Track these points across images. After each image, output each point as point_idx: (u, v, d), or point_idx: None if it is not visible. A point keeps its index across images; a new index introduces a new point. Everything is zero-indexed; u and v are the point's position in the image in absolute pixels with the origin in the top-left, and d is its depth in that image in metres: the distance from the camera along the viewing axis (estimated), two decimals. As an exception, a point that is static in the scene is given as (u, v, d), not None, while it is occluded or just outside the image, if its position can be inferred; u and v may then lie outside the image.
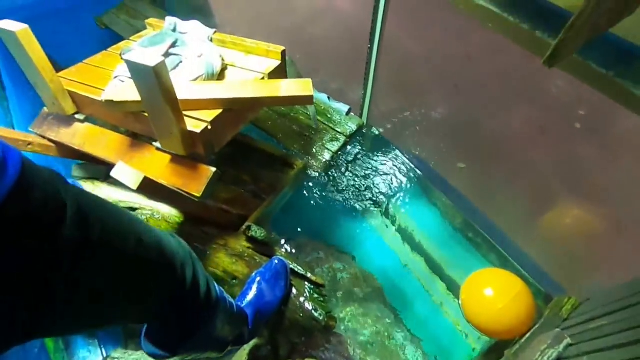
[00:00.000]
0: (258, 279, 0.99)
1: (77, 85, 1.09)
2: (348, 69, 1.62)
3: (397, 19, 1.25)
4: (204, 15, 2.14)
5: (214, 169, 0.99)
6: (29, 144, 1.07)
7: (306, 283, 1.09)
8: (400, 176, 1.62)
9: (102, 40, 2.12)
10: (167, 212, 1.07)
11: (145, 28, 1.41)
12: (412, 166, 1.62)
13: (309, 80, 1.07)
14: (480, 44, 1.07)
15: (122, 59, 1.13)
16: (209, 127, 0.98)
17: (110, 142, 1.08)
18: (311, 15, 1.59)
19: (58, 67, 1.03)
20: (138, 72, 0.80)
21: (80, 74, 1.13)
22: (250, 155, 1.48)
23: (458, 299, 1.24)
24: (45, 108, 1.15)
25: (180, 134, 0.93)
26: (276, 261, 1.02)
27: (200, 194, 0.96)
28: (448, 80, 1.26)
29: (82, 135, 1.12)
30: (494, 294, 1.04)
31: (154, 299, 0.55)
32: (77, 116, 1.13)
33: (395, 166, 1.64)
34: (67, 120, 1.13)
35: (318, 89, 1.78)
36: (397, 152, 1.66)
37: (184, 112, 0.96)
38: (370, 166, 1.63)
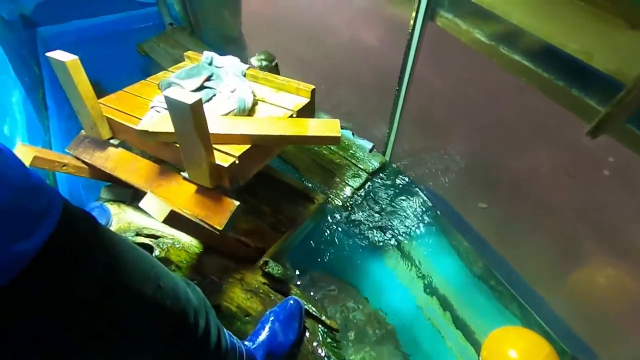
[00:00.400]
0: (272, 318, 0.96)
1: (115, 112, 1.14)
2: (374, 105, 1.65)
3: (426, 58, 1.27)
4: (238, 46, 2.24)
5: (237, 203, 1.00)
6: (64, 165, 1.12)
7: (320, 325, 1.06)
8: (420, 216, 1.59)
9: (142, 65, 2.25)
10: (188, 241, 1.07)
11: (182, 58, 1.48)
12: (433, 205, 1.60)
13: (337, 121, 1.08)
14: (506, 82, 1.07)
15: (161, 91, 1.19)
16: (237, 162, 1.00)
17: (140, 168, 1.12)
18: (340, 49, 1.63)
19: (98, 87, 1.07)
20: (175, 107, 0.83)
21: (119, 102, 1.18)
22: (271, 186, 1.49)
23: (474, 347, 1.17)
24: (82, 131, 1.20)
25: (208, 168, 0.94)
26: (291, 301, 1.00)
27: (222, 227, 0.97)
28: (473, 120, 1.26)
29: (115, 160, 1.15)
30: (519, 357, 0.97)
31: (165, 346, 0.55)
32: (111, 141, 1.18)
33: (416, 205, 1.62)
34: (102, 144, 1.18)
35: (342, 124, 1.81)
36: (418, 191, 1.64)
37: (214, 145, 0.99)
38: (390, 204, 1.61)
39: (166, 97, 0.82)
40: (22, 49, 1.75)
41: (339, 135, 1.04)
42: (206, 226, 0.96)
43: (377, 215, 1.57)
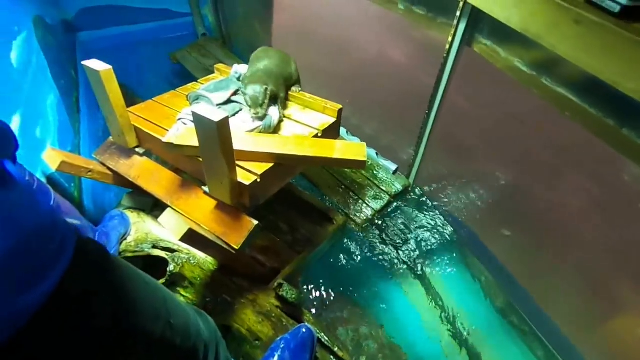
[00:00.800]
0: (282, 346, 0.92)
1: (142, 121, 1.15)
2: (401, 126, 1.61)
3: (459, 82, 1.22)
4: (267, 59, 2.26)
5: (255, 222, 0.98)
6: (90, 171, 1.13)
7: (332, 356, 1.01)
8: (441, 242, 1.52)
9: (173, 73, 2.30)
10: (203, 258, 1.06)
11: (212, 67, 1.49)
12: (455, 232, 1.53)
13: (363, 145, 1.05)
14: (540, 112, 1.01)
15: (189, 103, 1.20)
16: (258, 180, 0.97)
17: (163, 179, 1.11)
18: (368, 66, 1.60)
19: (129, 91, 1.08)
20: (202, 123, 0.82)
21: (148, 111, 1.19)
22: (290, 202, 1.47)
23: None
24: (110, 138, 1.21)
25: (229, 184, 0.93)
26: (304, 329, 0.96)
27: (239, 246, 0.94)
28: (503, 147, 1.20)
29: (139, 169, 1.16)
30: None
31: None
32: (137, 149, 1.19)
33: (438, 231, 1.55)
34: (128, 152, 1.19)
35: (367, 143, 1.78)
36: (441, 216, 1.58)
37: (236, 162, 0.97)
38: (411, 229, 1.55)
39: (193, 113, 0.81)
40: (61, 53, 1.82)
41: (365, 159, 1.01)
42: (222, 244, 0.93)
43: (397, 239, 1.51)
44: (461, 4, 1.00)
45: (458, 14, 1.03)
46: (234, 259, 1.01)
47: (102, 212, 1.43)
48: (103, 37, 2.38)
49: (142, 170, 1.16)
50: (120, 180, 1.22)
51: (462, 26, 1.06)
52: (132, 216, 1.17)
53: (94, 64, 1.01)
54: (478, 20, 1.02)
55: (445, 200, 1.58)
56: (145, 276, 0.48)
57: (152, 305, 0.45)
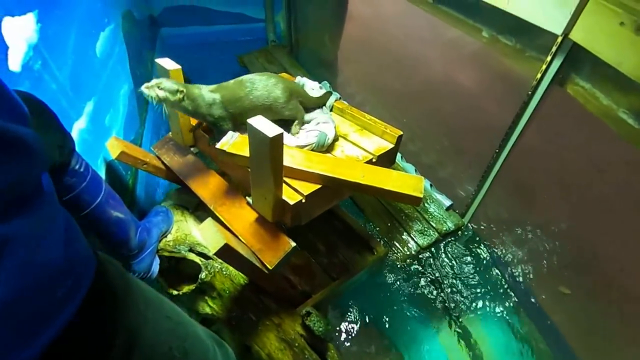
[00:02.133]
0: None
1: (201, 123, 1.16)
2: (463, 160, 1.48)
3: (539, 122, 1.09)
4: (330, 70, 2.24)
5: (293, 244, 0.93)
6: (145, 163, 1.16)
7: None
8: (489, 293, 1.36)
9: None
10: (235, 270, 1.03)
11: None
12: (506, 283, 1.36)
13: (422, 180, 0.96)
14: (618, 156, 0.85)
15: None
16: (303, 201, 0.93)
17: (211, 182, 1.11)
18: (434, 90, 1.49)
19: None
20: (256, 137, 0.79)
21: (208, 113, 1.21)
22: (332, 223, 1.40)
23: None
24: (170, 133, 1.25)
25: (273, 201, 0.89)
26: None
27: (273, 266, 0.90)
28: (575, 195, 1.04)
29: (190, 168, 1.17)
30: None
31: None
32: (192, 149, 1.20)
33: (487, 280, 1.39)
34: (183, 150, 1.21)
35: (422, 171, 1.67)
36: (493, 264, 1.42)
37: (284, 178, 0.93)
38: (458, 274, 1.41)
39: (249, 125, 0.78)
40: (143, 46, 1.94)
41: (421, 196, 0.92)
42: (256, 262, 0.89)
43: (440, 282, 1.38)
44: (560, 38, 0.87)
45: (554, 49, 0.90)
46: (265, 277, 0.97)
47: (151, 202, 1.48)
48: (181, 34, 2.52)
49: (193, 170, 1.17)
50: (172, 176, 1.24)
51: (556, 63, 0.93)
52: (176, 214, 1.18)
53: (166, 62, 1.04)
54: (577, 59, 0.89)
55: (501, 246, 1.42)
56: (167, 308, 0.45)
57: (169, 344, 0.41)
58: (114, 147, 1.09)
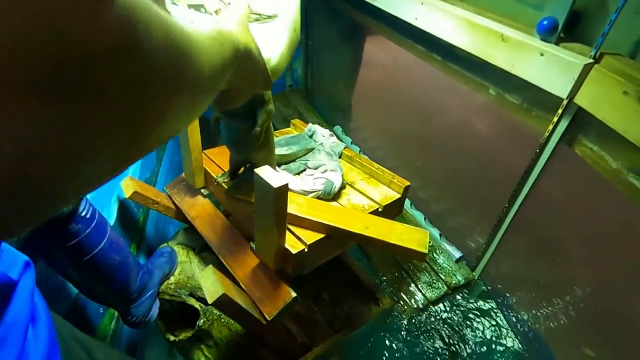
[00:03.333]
0: None
1: (212, 165, 1.19)
2: (474, 211, 1.45)
3: (553, 175, 1.07)
4: (344, 115, 2.30)
5: (294, 295, 0.91)
6: (156, 203, 1.19)
7: None
8: (503, 352, 1.27)
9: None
10: (234, 317, 1.01)
11: (292, 117, 1.54)
12: (521, 343, 1.27)
13: (427, 234, 0.95)
14: (631, 218, 0.81)
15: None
16: (306, 250, 0.92)
17: (217, 225, 1.13)
18: (451, 137, 1.48)
19: (207, 125, 1.09)
20: (261, 186, 0.81)
21: (221, 156, 1.25)
22: (338, 271, 1.38)
23: None
24: (183, 174, 1.29)
25: (275, 250, 0.89)
26: None
27: (271, 317, 0.88)
28: (595, 248, 0.99)
29: (199, 209, 1.19)
30: None
31: None
32: (202, 190, 1.23)
33: (500, 341, 1.31)
34: (194, 191, 1.24)
35: (431, 219, 1.64)
36: (506, 323, 1.34)
37: (288, 225, 0.94)
38: (468, 331, 1.34)
39: (255, 174, 0.80)
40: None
41: (425, 252, 0.90)
42: (254, 312, 0.88)
43: (449, 340, 1.31)
44: (565, 101, 0.89)
45: (560, 111, 0.91)
46: (264, 327, 0.94)
47: (160, 239, 1.50)
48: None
49: (201, 212, 1.19)
50: (181, 216, 1.26)
51: (563, 124, 0.94)
52: (182, 254, 1.19)
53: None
54: (584, 122, 0.89)
55: (516, 303, 1.35)
56: None
57: None
58: (127, 187, 1.14)
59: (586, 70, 0.81)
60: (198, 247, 1.26)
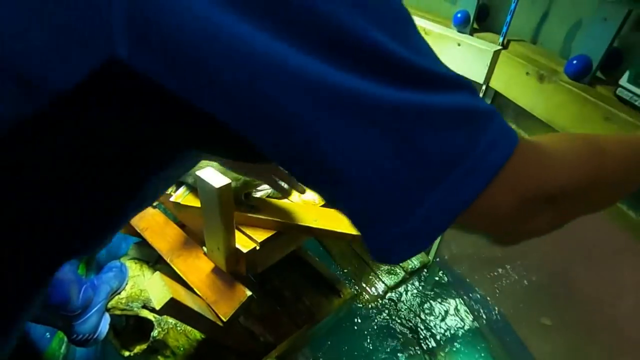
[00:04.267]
0: None
1: (160, 175, 1.18)
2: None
3: None
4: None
5: (249, 293, 0.92)
6: (102, 218, 1.15)
7: None
8: (463, 329, 1.35)
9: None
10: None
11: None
12: (481, 318, 1.35)
13: (373, 220, 0.99)
14: None
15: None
16: (257, 248, 0.93)
17: (168, 234, 1.11)
18: None
19: None
20: (204, 188, 0.81)
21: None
22: (298, 267, 1.40)
23: None
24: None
25: (225, 251, 0.89)
26: None
27: (227, 318, 0.88)
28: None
29: (148, 220, 1.17)
30: None
31: None
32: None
33: (459, 316, 1.39)
34: (142, 202, 1.21)
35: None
36: (464, 299, 1.42)
37: (239, 226, 0.95)
38: (428, 311, 1.40)
39: (197, 176, 0.81)
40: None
41: (372, 237, 0.94)
42: (210, 315, 0.88)
43: (410, 322, 1.37)
44: (483, 87, 0.97)
45: (481, 95, 1.00)
46: (222, 330, 0.94)
47: (112, 257, 1.44)
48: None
49: (151, 222, 1.17)
50: (131, 230, 1.23)
51: (485, 107, 1.02)
52: (134, 268, 1.16)
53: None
54: (502, 104, 0.98)
55: (471, 282, 1.43)
56: None
57: None
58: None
59: (496, 56, 0.89)
60: (152, 260, 1.23)
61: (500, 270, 1.29)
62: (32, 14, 0.17)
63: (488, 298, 1.36)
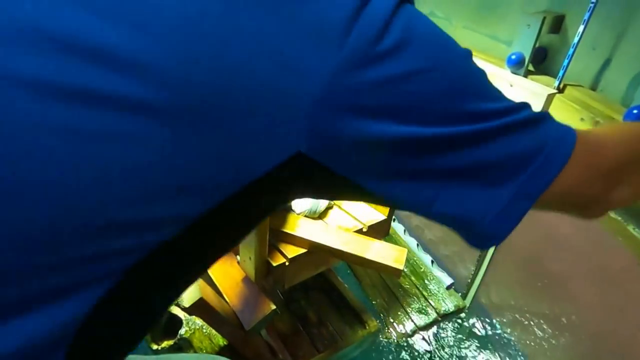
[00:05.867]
0: None
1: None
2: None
3: None
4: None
5: (273, 307, 0.94)
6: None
7: None
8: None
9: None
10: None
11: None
12: None
13: (405, 251, 0.98)
14: None
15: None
16: (287, 264, 0.96)
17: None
18: None
19: None
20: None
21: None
22: (326, 290, 1.39)
23: None
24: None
25: (255, 262, 0.93)
26: None
27: (249, 327, 0.91)
28: (599, 272, 0.97)
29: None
30: None
31: None
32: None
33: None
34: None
35: (425, 248, 1.65)
36: (497, 354, 1.30)
37: (272, 240, 0.98)
38: (456, 359, 1.31)
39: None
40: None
41: (401, 268, 0.93)
42: (234, 320, 0.91)
43: (437, 369, 1.28)
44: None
45: (531, 138, 0.96)
46: (244, 341, 0.97)
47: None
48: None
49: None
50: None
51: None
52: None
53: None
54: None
55: (507, 334, 1.32)
56: None
57: None
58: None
59: (550, 99, 0.86)
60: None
61: (540, 326, 1.18)
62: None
63: (522, 353, 1.24)
